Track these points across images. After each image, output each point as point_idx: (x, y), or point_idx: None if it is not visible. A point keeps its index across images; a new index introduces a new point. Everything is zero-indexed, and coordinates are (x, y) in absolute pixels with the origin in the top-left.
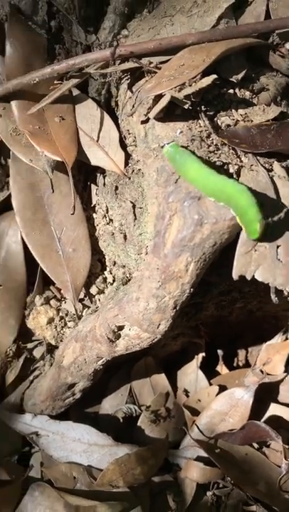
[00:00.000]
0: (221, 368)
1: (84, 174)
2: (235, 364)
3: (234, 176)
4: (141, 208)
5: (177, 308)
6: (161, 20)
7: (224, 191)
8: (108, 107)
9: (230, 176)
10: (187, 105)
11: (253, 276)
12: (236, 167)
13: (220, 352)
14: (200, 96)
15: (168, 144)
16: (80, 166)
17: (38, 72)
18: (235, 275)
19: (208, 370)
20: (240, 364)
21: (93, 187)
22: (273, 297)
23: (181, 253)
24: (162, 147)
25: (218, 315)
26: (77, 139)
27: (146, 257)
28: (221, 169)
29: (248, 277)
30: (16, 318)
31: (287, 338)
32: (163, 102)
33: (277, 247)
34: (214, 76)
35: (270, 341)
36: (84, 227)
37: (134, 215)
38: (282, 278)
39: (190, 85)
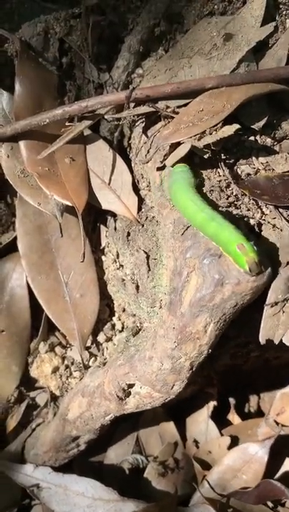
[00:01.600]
0: (233, 417)
1: (94, 215)
2: (246, 410)
3: (256, 229)
4: (155, 259)
5: (193, 369)
6: (178, 62)
7: (209, 228)
8: (120, 146)
9: (251, 228)
10: (207, 155)
11: (281, 340)
12: (257, 220)
13: (232, 400)
14: (220, 145)
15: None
16: (90, 206)
17: (48, 113)
18: (262, 339)
19: (219, 418)
20: (252, 410)
21: (103, 228)
22: None
23: (199, 313)
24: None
25: (231, 364)
26: (88, 181)
27: (161, 312)
28: (241, 221)
29: (276, 341)
30: (18, 364)
31: None
32: (182, 151)
33: None
34: (237, 126)
35: (285, 389)
36: (92, 271)
37: (148, 266)
38: None
39: (210, 134)
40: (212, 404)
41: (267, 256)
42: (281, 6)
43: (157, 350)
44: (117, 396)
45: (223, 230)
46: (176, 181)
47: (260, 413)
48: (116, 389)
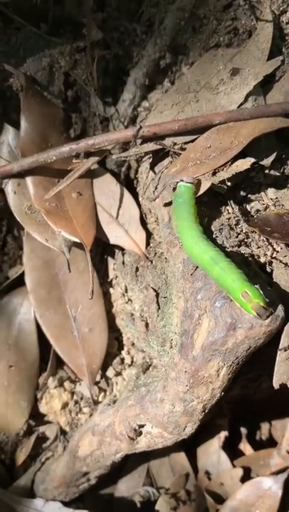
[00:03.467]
0: (245, 447)
1: (101, 246)
2: (258, 438)
3: (267, 267)
4: (165, 297)
5: (206, 411)
6: (185, 96)
7: (213, 273)
8: (128, 179)
9: (262, 267)
10: (224, 190)
11: None
12: (269, 258)
13: (243, 430)
14: (235, 180)
15: (186, 181)
16: (98, 238)
17: (55, 150)
18: (275, 384)
19: (231, 447)
20: (264, 438)
21: (110, 260)
22: None
23: (212, 358)
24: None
25: (242, 394)
26: (96, 216)
27: (172, 353)
28: (252, 260)
29: None
30: (27, 400)
31: None
32: (204, 186)
33: None
34: (251, 160)
35: None
36: (101, 305)
37: (158, 304)
38: None
39: (223, 170)
40: (223, 435)
41: (280, 297)
42: (287, 38)
43: (169, 392)
44: (128, 436)
45: (226, 277)
46: (178, 211)
47: (271, 441)
48: (127, 429)
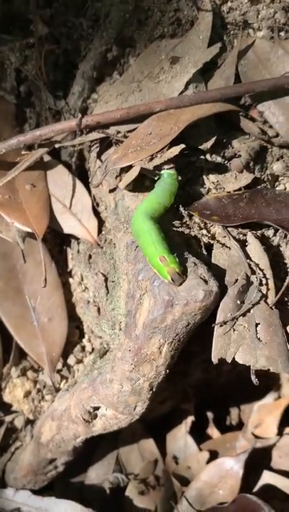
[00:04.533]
0: (212, 431)
1: (60, 237)
2: (228, 423)
3: (203, 250)
4: (113, 281)
5: (154, 389)
6: (129, 86)
7: (139, 242)
8: (81, 170)
9: (200, 247)
10: (157, 177)
11: (234, 358)
12: (207, 239)
13: (210, 415)
14: (171, 166)
15: (168, 169)
16: (56, 230)
17: (4, 143)
18: (214, 358)
19: (199, 432)
20: (234, 423)
21: (69, 251)
22: (254, 379)
23: (152, 335)
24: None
25: (205, 378)
26: (50, 207)
27: (120, 334)
28: (192, 241)
29: (229, 360)
30: None
31: (279, 397)
32: (132, 174)
33: (256, 325)
34: (182, 146)
35: (262, 401)
36: (60, 295)
37: (107, 288)
38: (263, 359)
39: (158, 156)
40: (190, 419)
41: (216, 275)
42: (229, 26)
43: (117, 372)
44: (83, 419)
45: (149, 242)
46: (156, 189)
47: (241, 425)
48: (81, 412)
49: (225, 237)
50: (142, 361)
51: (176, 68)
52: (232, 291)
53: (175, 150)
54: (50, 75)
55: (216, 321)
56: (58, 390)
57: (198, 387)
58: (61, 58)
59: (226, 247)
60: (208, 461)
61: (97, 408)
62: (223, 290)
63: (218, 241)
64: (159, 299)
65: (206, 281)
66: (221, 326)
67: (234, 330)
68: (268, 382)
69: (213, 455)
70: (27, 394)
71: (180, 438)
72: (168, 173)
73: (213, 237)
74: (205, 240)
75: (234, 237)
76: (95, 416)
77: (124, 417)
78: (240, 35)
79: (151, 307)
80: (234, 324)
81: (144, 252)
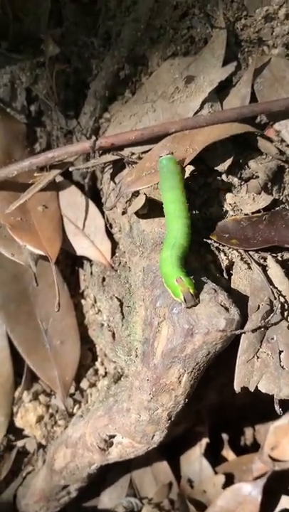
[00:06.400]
0: (227, 453)
1: (72, 258)
2: (242, 443)
3: (224, 274)
4: (129, 306)
5: (172, 419)
6: (142, 106)
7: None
8: (94, 190)
9: (221, 271)
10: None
11: (257, 387)
12: (228, 263)
13: (225, 436)
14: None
15: (165, 155)
16: (68, 250)
17: (16, 165)
18: (237, 387)
19: (214, 454)
20: (248, 443)
21: (81, 272)
22: (278, 409)
23: (172, 365)
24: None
25: (220, 400)
26: (62, 228)
27: (137, 361)
28: (212, 264)
29: (251, 389)
30: (4, 414)
31: None
32: (138, 203)
33: (280, 352)
34: (191, 168)
35: (277, 422)
36: (72, 317)
37: (122, 313)
38: (287, 388)
39: None
40: (204, 441)
41: (238, 302)
42: (243, 44)
43: (134, 401)
44: (99, 447)
45: (168, 262)
46: (170, 171)
47: (256, 446)
48: (97, 440)
49: (243, 259)
50: (161, 391)
51: (191, 87)
52: (255, 318)
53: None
54: (61, 94)
55: (239, 349)
56: (71, 414)
57: (213, 409)
58: (72, 77)
59: (247, 270)
60: (225, 485)
61: (113, 436)
62: (244, 316)
63: (239, 266)
64: (179, 328)
65: (227, 309)
66: (244, 353)
67: (257, 357)
68: (283, 402)
69: (229, 478)
70: (39, 419)
71: (195, 460)
72: (166, 159)
73: (231, 262)
74: (223, 264)
75: (255, 261)
76: (111, 444)
77: (140, 445)
78: (255, 53)
79: (170, 335)
80: (257, 352)
81: (161, 269)
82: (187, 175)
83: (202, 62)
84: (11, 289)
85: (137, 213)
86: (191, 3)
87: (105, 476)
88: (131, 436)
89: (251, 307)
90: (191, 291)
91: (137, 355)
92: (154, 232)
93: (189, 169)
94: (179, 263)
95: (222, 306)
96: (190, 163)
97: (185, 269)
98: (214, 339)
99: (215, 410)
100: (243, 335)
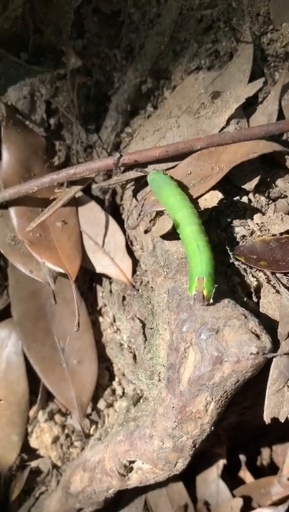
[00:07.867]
0: (245, 475)
1: (89, 274)
2: (259, 463)
3: (253, 296)
4: (152, 328)
5: (196, 446)
6: (166, 122)
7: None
8: (114, 206)
9: (248, 294)
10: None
11: (287, 418)
12: (256, 284)
13: (242, 458)
14: (206, 216)
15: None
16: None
17: (36, 181)
18: (266, 418)
19: (231, 475)
20: (265, 464)
21: (99, 288)
22: None
23: (199, 393)
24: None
25: (239, 421)
26: (81, 244)
27: (160, 386)
28: (239, 287)
29: (282, 419)
30: (18, 434)
31: None
32: (165, 227)
33: None
34: (220, 196)
35: None
36: (90, 336)
37: (144, 336)
38: None
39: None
40: (221, 463)
41: (267, 327)
42: (269, 58)
43: (157, 428)
44: (119, 473)
45: (197, 256)
46: (160, 180)
47: (273, 466)
48: (117, 466)
49: (270, 282)
50: (186, 419)
51: (217, 103)
52: (286, 345)
53: (211, 201)
54: (82, 107)
55: (269, 379)
56: (87, 435)
57: (231, 430)
58: (93, 90)
59: (276, 294)
60: (242, 508)
61: (133, 461)
62: (274, 345)
63: (267, 289)
64: (207, 355)
65: (258, 336)
66: (274, 383)
67: (288, 387)
68: None
69: (247, 501)
70: (55, 440)
71: (211, 482)
72: (153, 172)
73: (259, 285)
74: (252, 286)
75: (284, 285)
76: (131, 469)
77: (162, 472)
78: (281, 68)
79: (198, 362)
80: (287, 381)
81: (189, 260)
82: (215, 204)
83: (228, 77)
84: (28, 306)
85: (162, 236)
86: (216, 16)
87: (120, 496)
88: (153, 463)
89: (281, 334)
90: (205, 293)
91: (160, 380)
92: (178, 252)
93: (218, 197)
94: (210, 260)
95: (253, 333)
96: (217, 183)
97: (214, 274)
98: (244, 367)
99: (233, 431)
100: (272, 365)
